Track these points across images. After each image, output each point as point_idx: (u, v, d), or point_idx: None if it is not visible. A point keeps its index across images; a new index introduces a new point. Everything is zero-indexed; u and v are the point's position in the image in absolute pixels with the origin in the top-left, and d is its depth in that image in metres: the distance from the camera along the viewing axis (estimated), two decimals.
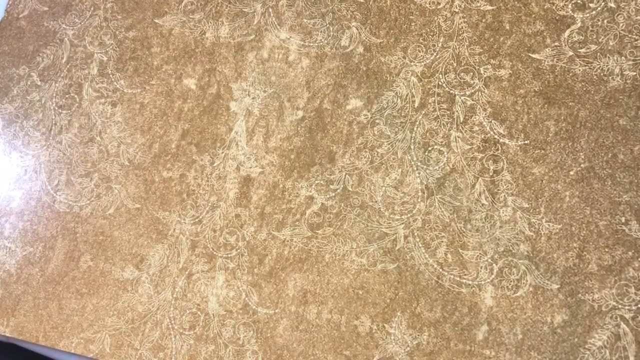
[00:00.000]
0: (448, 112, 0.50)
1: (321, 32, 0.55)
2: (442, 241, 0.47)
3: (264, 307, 0.49)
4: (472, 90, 0.50)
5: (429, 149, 0.49)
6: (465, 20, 0.52)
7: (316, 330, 0.48)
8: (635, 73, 0.47)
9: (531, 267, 0.45)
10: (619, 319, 0.42)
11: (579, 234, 0.45)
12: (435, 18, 0.52)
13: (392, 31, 0.53)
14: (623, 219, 0.44)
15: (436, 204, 0.48)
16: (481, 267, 0.46)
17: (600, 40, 0.48)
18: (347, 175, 0.51)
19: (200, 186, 0.54)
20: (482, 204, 0.47)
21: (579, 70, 0.48)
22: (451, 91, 0.50)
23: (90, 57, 0.61)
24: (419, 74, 0.51)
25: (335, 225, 0.50)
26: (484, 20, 0.51)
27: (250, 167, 0.53)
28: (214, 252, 0.51)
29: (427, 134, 0.50)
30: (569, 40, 0.49)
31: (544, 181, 0.46)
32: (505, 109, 0.49)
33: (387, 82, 0.52)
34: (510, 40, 0.50)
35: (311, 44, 0.55)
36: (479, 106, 0.49)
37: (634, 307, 0.42)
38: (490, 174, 0.48)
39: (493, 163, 0.48)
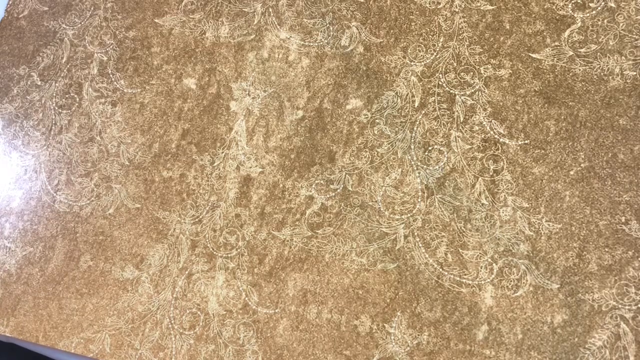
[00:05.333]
0: (448, 112, 0.50)
1: (321, 31, 0.55)
2: (442, 241, 0.47)
3: (264, 306, 0.49)
4: (472, 90, 0.50)
5: (429, 148, 0.49)
6: (466, 20, 0.52)
7: (316, 330, 0.48)
8: (635, 73, 0.47)
9: (531, 267, 0.45)
10: (619, 318, 0.42)
11: (579, 233, 0.45)
12: (435, 18, 0.52)
13: (392, 31, 0.53)
14: (623, 219, 0.44)
15: (436, 203, 0.48)
16: (481, 267, 0.46)
17: (600, 40, 0.48)
18: (347, 175, 0.51)
19: (200, 186, 0.54)
20: (482, 204, 0.47)
21: (579, 70, 0.48)
22: (451, 91, 0.50)
23: (90, 57, 0.61)
24: (419, 74, 0.51)
25: (335, 225, 0.50)
26: (484, 20, 0.51)
27: (250, 167, 0.53)
28: (214, 252, 0.51)
29: (427, 134, 0.50)
30: (569, 40, 0.49)
31: (544, 181, 0.46)
32: (506, 108, 0.49)
33: (387, 81, 0.52)
34: (511, 40, 0.50)
35: (311, 44, 0.55)
36: (479, 106, 0.49)
37: (634, 307, 0.42)
38: (491, 173, 0.48)
39: (493, 163, 0.48)
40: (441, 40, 0.52)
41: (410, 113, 0.51)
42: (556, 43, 0.49)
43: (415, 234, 0.48)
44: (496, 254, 0.46)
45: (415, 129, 0.50)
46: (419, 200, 0.48)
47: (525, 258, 0.45)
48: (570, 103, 0.48)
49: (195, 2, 0.59)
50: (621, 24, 0.48)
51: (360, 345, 0.46)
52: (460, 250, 0.47)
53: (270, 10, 0.57)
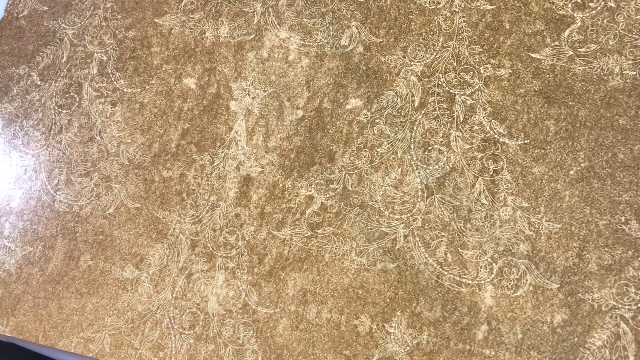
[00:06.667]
0: (448, 112, 0.50)
1: (321, 31, 0.55)
2: (442, 241, 0.47)
3: (264, 306, 0.49)
4: (472, 90, 0.50)
5: (429, 148, 0.49)
6: (466, 20, 0.52)
7: (316, 330, 0.48)
8: (635, 73, 0.47)
9: (531, 267, 0.45)
10: (619, 318, 0.42)
11: (579, 233, 0.45)
12: (436, 18, 0.52)
13: (392, 31, 0.53)
14: (623, 219, 0.44)
15: (436, 203, 0.48)
16: (481, 267, 0.46)
17: (600, 40, 0.48)
18: (347, 175, 0.51)
19: (201, 186, 0.54)
20: (482, 204, 0.47)
21: (579, 70, 0.48)
22: (451, 91, 0.50)
23: (90, 56, 0.61)
24: (419, 74, 0.51)
25: (336, 225, 0.50)
26: (484, 20, 0.51)
27: (251, 167, 0.53)
28: (214, 252, 0.51)
29: (427, 134, 0.50)
30: (569, 40, 0.49)
31: (544, 181, 0.46)
32: (506, 108, 0.49)
33: (387, 81, 0.52)
34: (511, 40, 0.50)
35: (311, 44, 0.55)
36: (479, 106, 0.49)
37: (634, 307, 0.42)
38: (491, 173, 0.48)
39: (493, 163, 0.48)
40: (441, 40, 0.52)
41: (410, 113, 0.51)
42: (556, 43, 0.49)
43: (415, 234, 0.48)
44: (496, 254, 0.46)
45: (415, 129, 0.50)
46: (419, 200, 0.48)
47: (525, 258, 0.45)
48: (570, 103, 0.48)
49: (195, 2, 0.59)
50: (621, 24, 0.48)
51: (360, 345, 0.46)
52: (460, 250, 0.46)
53: (270, 10, 0.57)
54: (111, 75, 0.60)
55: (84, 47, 0.61)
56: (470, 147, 0.49)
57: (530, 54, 0.49)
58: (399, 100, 0.51)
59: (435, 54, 0.51)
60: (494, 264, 0.46)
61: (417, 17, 0.53)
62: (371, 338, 0.46)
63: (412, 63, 0.52)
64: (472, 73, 0.50)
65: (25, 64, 0.62)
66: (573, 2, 0.50)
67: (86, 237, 0.55)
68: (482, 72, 0.50)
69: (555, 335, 0.43)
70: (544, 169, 0.47)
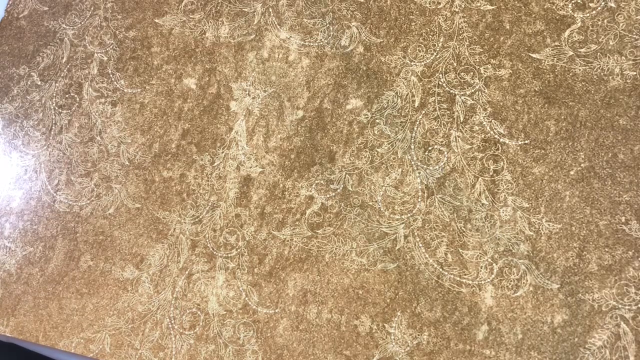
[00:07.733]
0: (448, 112, 0.50)
1: (321, 31, 0.55)
2: (442, 241, 0.47)
3: (264, 306, 0.49)
4: (472, 90, 0.50)
5: (429, 148, 0.49)
6: (466, 20, 0.52)
7: (316, 330, 0.48)
8: (635, 73, 0.47)
9: (531, 267, 0.45)
10: (619, 318, 0.42)
11: (579, 233, 0.45)
12: (436, 18, 0.52)
13: (392, 31, 0.53)
14: (623, 219, 0.44)
15: (436, 203, 0.48)
16: (481, 267, 0.46)
17: (600, 40, 0.48)
18: (347, 175, 0.51)
19: (201, 186, 0.54)
20: (482, 204, 0.47)
21: (579, 70, 0.48)
22: (451, 91, 0.50)
23: (90, 56, 0.61)
24: (419, 74, 0.51)
25: (336, 225, 0.50)
26: (484, 20, 0.51)
27: (251, 167, 0.53)
28: (214, 252, 0.51)
29: (427, 134, 0.50)
30: (569, 40, 0.49)
31: (544, 181, 0.46)
32: (506, 108, 0.49)
33: (387, 81, 0.52)
34: (511, 40, 0.50)
35: (311, 44, 0.55)
36: (479, 106, 0.49)
37: (634, 307, 0.42)
38: (491, 173, 0.48)
39: (493, 163, 0.48)
40: (441, 40, 0.52)
41: (410, 113, 0.51)
42: (556, 43, 0.49)
43: (415, 234, 0.48)
44: (496, 254, 0.46)
45: (415, 129, 0.50)
46: (419, 200, 0.48)
47: (525, 258, 0.45)
48: (570, 103, 0.48)
49: (195, 2, 0.59)
50: (621, 24, 0.48)
51: (360, 345, 0.46)
52: (460, 250, 0.47)
53: (270, 10, 0.57)
54: (111, 75, 0.60)
55: (84, 47, 0.61)
56: (470, 147, 0.49)
57: (530, 54, 0.49)
58: (399, 100, 0.51)
59: (435, 54, 0.51)
60: (494, 264, 0.46)
61: (417, 17, 0.53)
62: (371, 338, 0.46)
63: (412, 63, 0.52)
64: (472, 73, 0.50)
65: (25, 64, 0.62)
66: (573, 2, 0.50)
67: (86, 237, 0.55)
68: (482, 72, 0.50)
69: (555, 335, 0.43)
70: (544, 169, 0.47)
